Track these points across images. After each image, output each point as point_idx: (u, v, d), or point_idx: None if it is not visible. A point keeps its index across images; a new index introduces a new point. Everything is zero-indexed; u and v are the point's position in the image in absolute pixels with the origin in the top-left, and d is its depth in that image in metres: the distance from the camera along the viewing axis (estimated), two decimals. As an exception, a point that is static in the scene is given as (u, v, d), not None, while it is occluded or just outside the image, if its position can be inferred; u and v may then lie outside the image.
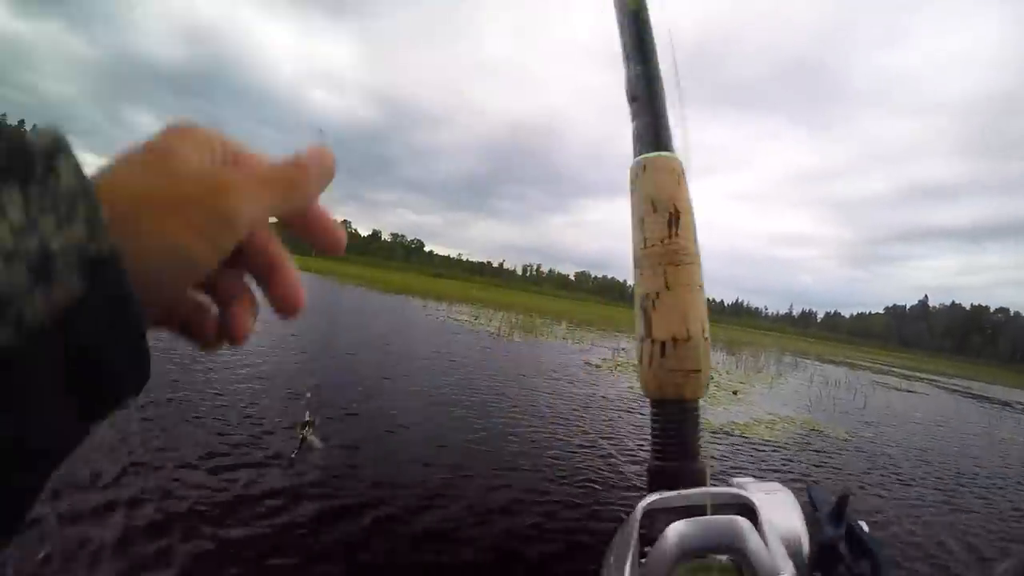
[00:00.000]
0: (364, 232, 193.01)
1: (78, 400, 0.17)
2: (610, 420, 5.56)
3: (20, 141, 0.19)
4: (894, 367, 34.12)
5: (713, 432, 5.68)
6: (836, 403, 9.42)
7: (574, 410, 5.75)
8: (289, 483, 2.90)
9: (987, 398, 18.28)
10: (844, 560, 0.30)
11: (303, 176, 0.25)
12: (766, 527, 0.28)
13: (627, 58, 0.41)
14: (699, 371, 0.34)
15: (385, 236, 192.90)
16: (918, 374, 29.86)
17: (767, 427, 6.27)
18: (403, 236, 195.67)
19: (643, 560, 0.28)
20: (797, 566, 0.28)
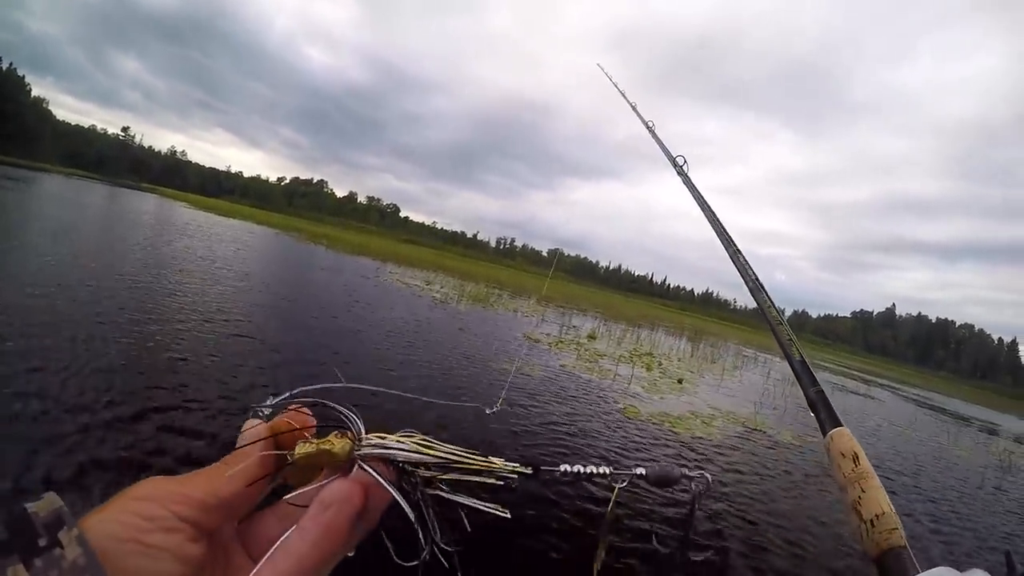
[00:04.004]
0: (340, 193, 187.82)
1: None
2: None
3: (22, 514, 0.23)
4: (856, 370, 34.56)
5: (640, 422, 4.94)
6: (789, 401, 8.83)
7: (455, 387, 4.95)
8: None
9: (945, 410, 18.42)
10: None
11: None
12: None
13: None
14: (895, 529, 0.44)
15: (361, 199, 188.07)
16: (879, 380, 30.24)
17: (703, 422, 5.61)
18: (379, 200, 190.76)
19: None
20: None
